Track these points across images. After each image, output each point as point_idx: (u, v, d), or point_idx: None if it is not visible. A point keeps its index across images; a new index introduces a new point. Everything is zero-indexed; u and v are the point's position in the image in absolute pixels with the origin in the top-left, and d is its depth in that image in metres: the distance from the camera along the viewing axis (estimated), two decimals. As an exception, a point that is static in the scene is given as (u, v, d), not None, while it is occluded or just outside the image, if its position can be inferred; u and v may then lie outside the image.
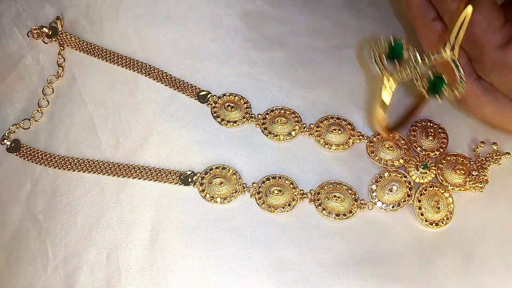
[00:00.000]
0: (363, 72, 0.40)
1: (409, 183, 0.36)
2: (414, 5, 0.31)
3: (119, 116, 0.39)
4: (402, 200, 0.35)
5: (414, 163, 0.36)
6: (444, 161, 0.36)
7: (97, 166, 0.37)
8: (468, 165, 0.36)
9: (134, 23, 0.42)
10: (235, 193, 0.36)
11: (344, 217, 0.35)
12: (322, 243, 0.34)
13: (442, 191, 0.35)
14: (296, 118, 0.38)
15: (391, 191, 0.35)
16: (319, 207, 0.35)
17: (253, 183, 0.36)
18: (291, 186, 0.36)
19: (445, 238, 0.34)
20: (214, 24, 0.42)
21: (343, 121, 0.38)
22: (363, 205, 0.35)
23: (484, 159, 0.35)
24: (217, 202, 0.36)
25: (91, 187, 0.37)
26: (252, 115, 0.39)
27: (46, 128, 0.39)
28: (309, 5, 0.42)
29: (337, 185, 0.36)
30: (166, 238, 0.35)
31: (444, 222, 0.34)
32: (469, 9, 0.26)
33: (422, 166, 0.35)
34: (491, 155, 0.36)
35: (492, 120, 0.32)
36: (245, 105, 0.39)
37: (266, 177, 0.37)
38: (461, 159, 0.36)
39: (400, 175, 0.36)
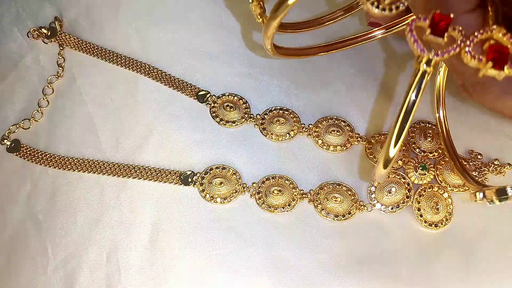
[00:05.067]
0: (363, 73, 0.40)
1: (408, 184, 0.36)
2: None
3: (119, 116, 0.39)
4: (401, 202, 0.35)
5: (412, 164, 0.36)
6: (443, 162, 0.36)
7: (97, 166, 0.37)
8: (467, 166, 0.36)
9: (134, 23, 0.42)
10: (235, 193, 0.36)
11: (343, 218, 0.35)
12: (322, 243, 0.35)
13: (441, 192, 0.35)
14: (294, 119, 0.38)
15: (390, 192, 0.35)
16: (318, 207, 0.35)
17: (253, 183, 0.37)
18: (291, 186, 0.36)
19: (445, 238, 0.34)
20: (214, 24, 0.42)
21: (342, 122, 0.38)
22: (362, 207, 0.35)
23: (482, 163, 0.36)
24: (217, 202, 0.36)
25: (91, 187, 0.37)
26: (251, 115, 0.39)
27: (46, 128, 0.39)
28: (309, 4, 0.42)
29: (337, 186, 0.36)
30: (166, 238, 0.35)
31: (444, 223, 0.34)
32: None
33: (420, 168, 0.36)
34: (494, 166, 0.36)
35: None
36: (244, 105, 0.39)
37: (266, 177, 0.37)
38: (460, 160, 0.36)
39: (399, 177, 0.36)
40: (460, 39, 0.22)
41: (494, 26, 0.23)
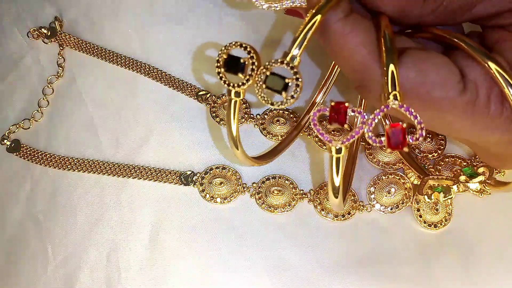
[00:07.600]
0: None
1: (408, 184, 0.36)
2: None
3: (119, 116, 0.39)
4: (401, 202, 0.35)
5: (412, 164, 0.36)
6: (442, 163, 0.36)
7: (97, 166, 0.37)
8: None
9: (134, 23, 0.42)
10: (235, 193, 0.36)
11: (342, 218, 0.35)
12: (322, 243, 0.35)
13: (441, 193, 0.35)
14: (294, 119, 0.38)
15: (389, 193, 0.35)
16: (318, 207, 0.35)
17: (253, 183, 0.37)
18: (291, 186, 0.36)
19: (444, 239, 0.34)
20: (214, 24, 0.42)
21: (342, 122, 0.38)
22: (361, 207, 0.35)
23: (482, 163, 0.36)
24: (217, 202, 0.36)
25: (91, 187, 0.37)
26: (251, 115, 0.39)
27: (46, 128, 0.39)
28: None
29: (337, 186, 0.36)
30: (166, 238, 0.35)
31: (443, 224, 0.34)
32: None
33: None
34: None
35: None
36: (244, 105, 0.39)
37: (266, 177, 0.37)
38: (459, 160, 0.36)
39: (398, 177, 0.36)
40: (360, 121, 0.23)
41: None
